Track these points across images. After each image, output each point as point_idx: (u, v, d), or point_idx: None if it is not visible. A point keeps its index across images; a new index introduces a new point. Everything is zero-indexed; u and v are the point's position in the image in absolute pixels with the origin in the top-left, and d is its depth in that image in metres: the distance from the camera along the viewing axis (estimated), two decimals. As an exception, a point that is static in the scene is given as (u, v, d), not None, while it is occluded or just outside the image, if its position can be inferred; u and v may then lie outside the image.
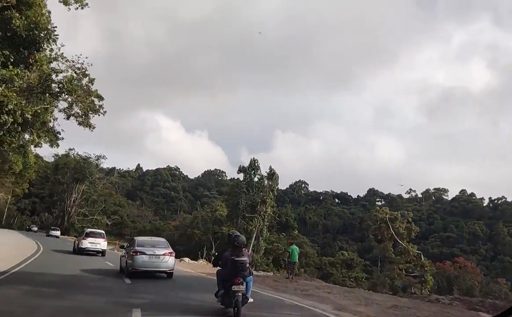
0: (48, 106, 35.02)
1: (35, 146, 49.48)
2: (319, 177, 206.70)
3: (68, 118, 37.65)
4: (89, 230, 31.55)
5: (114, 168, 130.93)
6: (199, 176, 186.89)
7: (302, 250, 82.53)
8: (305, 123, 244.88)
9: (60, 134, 47.74)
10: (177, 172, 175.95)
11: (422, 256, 41.68)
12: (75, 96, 34.92)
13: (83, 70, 35.12)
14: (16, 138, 29.49)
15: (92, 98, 37.89)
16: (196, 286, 16.85)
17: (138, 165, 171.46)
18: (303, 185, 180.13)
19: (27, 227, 78.78)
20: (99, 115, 37.84)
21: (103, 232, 32.24)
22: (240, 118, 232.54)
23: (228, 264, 9.12)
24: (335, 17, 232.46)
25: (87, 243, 28.04)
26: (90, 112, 36.83)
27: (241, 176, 60.80)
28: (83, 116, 36.88)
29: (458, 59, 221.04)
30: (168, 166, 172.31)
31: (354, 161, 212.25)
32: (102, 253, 28.27)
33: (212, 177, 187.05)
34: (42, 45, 26.18)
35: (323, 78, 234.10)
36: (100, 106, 37.54)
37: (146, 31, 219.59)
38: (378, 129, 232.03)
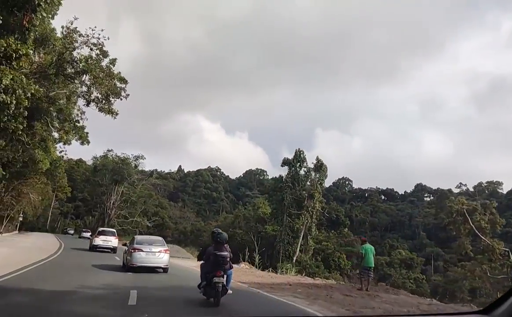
0: (65, 91, 30.60)
1: (64, 143, 46.01)
2: (363, 173, 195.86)
3: (88, 104, 33.03)
4: (101, 229, 34.73)
5: (155, 170, 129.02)
6: (240, 176, 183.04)
7: (353, 249, 74.98)
8: (346, 120, 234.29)
9: (85, 128, 43.92)
10: (218, 173, 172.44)
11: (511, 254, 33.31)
12: (93, 77, 30.36)
13: (100, 45, 30.66)
14: (24, 126, 24.94)
15: (115, 81, 33.35)
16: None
17: (180, 166, 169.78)
18: (347, 182, 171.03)
19: (64, 230, 77.70)
20: (121, 99, 33.13)
21: (115, 231, 34.17)
22: (280, 118, 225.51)
23: (210, 258, 9.90)
24: (378, 10, 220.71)
25: (99, 241, 29.90)
26: (112, 96, 32.19)
27: (285, 170, 54.51)
28: (103, 101, 32.24)
29: (509, 46, 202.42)
30: (209, 166, 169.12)
31: (399, 156, 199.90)
32: (113, 250, 29.30)
33: (253, 176, 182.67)
34: (40, 4, 20.95)
35: (365, 72, 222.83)
36: (122, 89, 32.91)
37: (185, 33, 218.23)
38: (424, 123, 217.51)
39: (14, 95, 20.88)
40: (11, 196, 40.94)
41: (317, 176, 50.43)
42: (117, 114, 30.10)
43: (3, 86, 20.14)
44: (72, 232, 74.44)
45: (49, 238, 46.66)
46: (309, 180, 51.82)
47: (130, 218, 79.43)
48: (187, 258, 38.44)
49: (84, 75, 27.43)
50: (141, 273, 16.52)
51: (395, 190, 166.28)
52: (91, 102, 29.76)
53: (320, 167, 50.17)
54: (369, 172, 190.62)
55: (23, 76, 21.84)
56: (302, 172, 52.37)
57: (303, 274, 33.19)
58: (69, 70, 26.69)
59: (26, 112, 23.69)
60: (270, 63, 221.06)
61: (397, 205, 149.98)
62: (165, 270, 17.88)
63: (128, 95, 30.07)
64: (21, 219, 59.42)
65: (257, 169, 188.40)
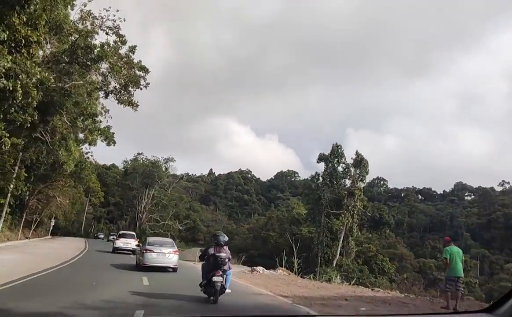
0: (81, 82, 27.82)
1: (89, 144, 43.74)
2: (397, 173, 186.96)
3: (106, 96, 30.21)
4: (122, 232, 36.74)
5: (186, 174, 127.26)
6: (271, 178, 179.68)
7: (395, 251, 69.43)
8: (379, 119, 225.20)
9: (111, 128, 41.33)
10: (249, 175, 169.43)
11: None
12: (110, 65, 27.45)
13: (116, 28, 27.77)
14: (35, 119, 22.20)
15: (135, 70, 30.40)
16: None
17: (211, 169, 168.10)
18: (382, 182, 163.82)
19: (95, 235, 76.83)
20: (141, 89, 30.00)
21: (134, 233, 35.46)
22: (310, 118, 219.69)
23: (210, 259, 10.47)
24: (412, 3, 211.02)
25: (120, 243, 31.54)
26: (131, 85, 29.20)
27: (321, 167, 50.05)
28: (122, 91, 29.29)
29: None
30: (240, 169, 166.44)
31: (435, 154, 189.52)
32: (133, 251, 29.69)
33: (284, 178, 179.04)
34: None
35: (399, 68, 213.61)
36: (142, 77, 29.70)
37: (215, 37, 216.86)
38: (462, 120, 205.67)
39: (18, 81, 18.05)
40: (37, 200, 38.97)
41: (357, 171, 45.80)
42: (137, 105, 27.07)
43: (3, 70, 17.29)
44: (102, 236, 73.86)
45: (77, 242, 44.50)
46: (348, 176, 47.28)
47: (161, 221, 77.19)
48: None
49: (100, 63, 24.47)
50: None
51: (432, 189, 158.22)
52: (110, 94, 26.93)
53: (360, 162, 45.53)
54: (404, 171, 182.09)
55: (26, 60, 18.98)
56: (340, 168, 47.90)
57: (351, 282, 28.72)
58: (84, 59, 23.80)
59: (35, 103, 20.88)
60: (299, 63, 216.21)
61: (436, 205, 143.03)
62: (174, 269, 18.72)
63: (148, 84, 26.94)
64: (52, 223, 58.03)
65: (288, 170, 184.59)
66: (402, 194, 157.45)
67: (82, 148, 43.41)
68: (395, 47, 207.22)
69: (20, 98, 18.74)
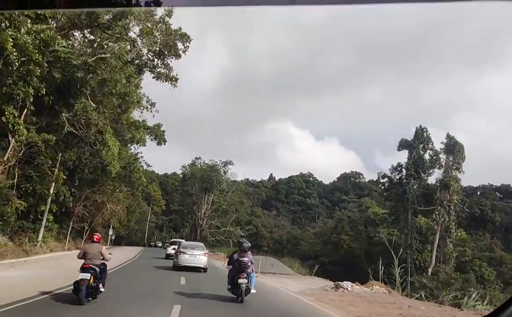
0: (108, 55, 22.36)
1: (137, 143, 39.09)
2: (470, 171, 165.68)
3: (139, 71, 24.13)
4: (172, 239, 38.37)
5: (246, 179, 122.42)
6: (334, 180, 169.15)
7: (492, 254, 57.61)
8: (444, 115, 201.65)
9: (161, 126, 35.91)
10: (311, 178, 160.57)
11: None
12: (138, 26, 21.59)
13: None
14: (42, 93, 16.97)
15: (175, 39, 24.33)
16: None
17: (271, 174, 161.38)
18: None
19: (153, 243, 74.66)
20: (179, 56, 23.72)
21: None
22: (371, 119, 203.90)
23: (235, 263, 11.46)
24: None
25: (170, 249, 31.47)
26: (168, 53, 22.97)
27: (403, 155, 40.73)
28: (157, 61, 23.21)
29: None
30: (301, 172, 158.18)
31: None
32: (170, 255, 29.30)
33: (348, 180, 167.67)
34: None
35: (466, 60, 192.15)
36: (184, 37, 23.19)
37: (270, 41, 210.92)
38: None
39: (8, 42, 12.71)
40: (84, 207, 34.85)
41: (450, 158, 36.43)
42: (176, 80, 21.15)
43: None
44: (160, 244, 70.36)
45: (131, 251, 40.09)
46: (437, 165, 37.99)
47: (222, 227, 71.95)
48: (286, 275, 27.69)
49: (123, 21, 18.82)
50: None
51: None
52: (144, 68, 21.36)
53: (453, 146, 36.15)
54: (476, 168, 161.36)
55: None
56: (427, 156, 38.63)
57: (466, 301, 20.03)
58: (103, 19, 18.36)
59: (38, 71, 15.51)
60: (357, 63, 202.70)
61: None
62: (204, 269, 20.31)
63: (187, 48, 20.78)
64: (111, 232, 54.92)
65: (351, 171, 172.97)
66: (478, 192, 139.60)
67: (130, 148, 39.07)
68: (461, 36, 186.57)
69: (16, 61, 13.24)
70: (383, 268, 22.53)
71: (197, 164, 74.35)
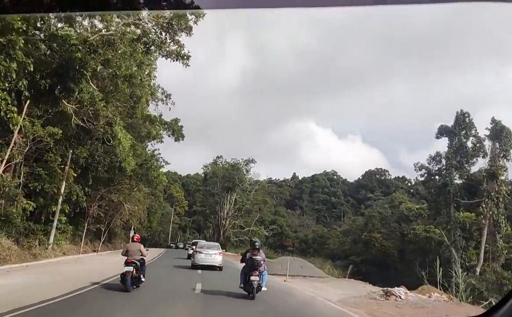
0: (110, 32, 19.56)
1: (153, 138, 36.56)
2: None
3: (147, 49, 21.08)
4: (194, 240, 37.84)
5: (269, 178, 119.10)
6: (359, 178, 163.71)
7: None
8: (472, 109, 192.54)
9: (179, 121, 33.35)
10: (335, 176, 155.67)
11: None
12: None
13: None
14: (30, 68, 14.38)
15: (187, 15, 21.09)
16: None
17: (294, 173, 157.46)
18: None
19: (172, 245, 73.10)
20: (190, 31, 20.38)
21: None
22: (395, 115, 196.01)
23: (248, 261, 11.87)
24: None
25: (191, 250, 30.48)
26: (177, 27, 19.75)
27: (443, 143, 36.56)
28: (166, 37, 20.01)
29: None
30: (325, 171, 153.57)
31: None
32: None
33: (373, 177, 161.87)
34: None
35: (496, 51, 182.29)
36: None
37: (291, 40, 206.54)
38: None
39: None
40: (99, 207, 32.72)
41: (497, 145, 32.33)
42: (188, 58, 18.36)
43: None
44: (181, 245, 68.20)
45: (151, 253, 37.73)
46: (482, 154, 33.90)
47: (245, 227, 69.14)
48: (318, 277, 24.39)
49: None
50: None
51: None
52: (152, 46, 18.70)
53: (499, 131, 32.04)
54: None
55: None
56: (469, 144, 34.55)
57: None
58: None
59: (22, 41, 13.02)
60: (382, 56, 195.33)
61: None
62: (220, 268, 21.31)
63: (200, 19, 17.84)
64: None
65: (376, 168, 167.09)
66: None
67: (147, 145, 36.77)
68: (490, 22, 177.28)
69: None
70: (428, 269, 19.09)
71: (219, 163, 71.86)
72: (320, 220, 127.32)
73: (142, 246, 12.38)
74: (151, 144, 35.59)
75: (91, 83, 17.87)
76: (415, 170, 34.89)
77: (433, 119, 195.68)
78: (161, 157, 38.59)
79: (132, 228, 51.68)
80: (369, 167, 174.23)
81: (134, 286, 11.61)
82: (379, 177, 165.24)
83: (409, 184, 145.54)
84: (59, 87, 16.81)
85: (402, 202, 46.58)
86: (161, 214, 66.79)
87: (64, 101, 17.95)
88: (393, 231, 45.64)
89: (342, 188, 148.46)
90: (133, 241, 12.58)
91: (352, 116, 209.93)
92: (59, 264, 21.97)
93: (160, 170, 37.88)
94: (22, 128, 19.44)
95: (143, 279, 12.14)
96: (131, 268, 11.22)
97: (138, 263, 11.66)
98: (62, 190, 26.72)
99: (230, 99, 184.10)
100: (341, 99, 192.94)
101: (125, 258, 11.58)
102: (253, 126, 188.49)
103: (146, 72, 24.04)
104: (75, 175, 27.81)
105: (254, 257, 11.57)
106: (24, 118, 19.61)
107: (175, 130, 35.69)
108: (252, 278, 11.28)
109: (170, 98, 29.37)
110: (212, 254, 21.42)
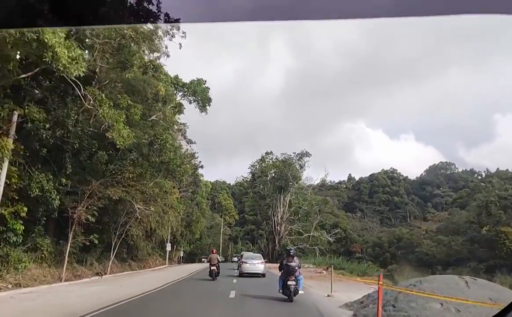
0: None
1: (163, 102, 24.07)
2: None
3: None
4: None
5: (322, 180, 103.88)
6: (422, 174, 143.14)
7: None
8: None
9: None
10: (395, 174, 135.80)
11: None
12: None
13: None
14: None
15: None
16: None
17: (349, 174, 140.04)
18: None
19: (222, 259, 60.22)
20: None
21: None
22: (448, 110, 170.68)
23: (284, 268, 12.54)
24: None
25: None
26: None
27: None
28: None
29: None
30: (383, 169, 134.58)
31: None
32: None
33: (439, 172, 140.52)
34: None
35: None
36: None
37: (334, 38, 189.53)
38: None
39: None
40: (87, 209, 20.64)
41: None
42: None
43: None
44: (236, 259, 56.36)
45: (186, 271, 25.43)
46: None
47: (304, 233, 54.93)
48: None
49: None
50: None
51: None
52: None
53: None
54: None
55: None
56: None
57: None
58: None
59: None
60: (432, 48, 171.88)
61: None
62: (263, 275, 23.60)
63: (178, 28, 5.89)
64: (168, 248, 41.33)
65: (441, 162, 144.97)
66: None
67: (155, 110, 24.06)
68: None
69: None
70: None
71: (267, 160, 58.46)
72: (383, 222, 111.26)
73: (217, 255, 21.90)
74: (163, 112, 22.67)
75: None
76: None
77: (490, 111, 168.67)
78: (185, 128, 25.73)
79: (166, 239, 39.81)
80: (425, 166, 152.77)
81: (216, 277, 20.44)
82: (444, 171, 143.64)
83: (480, 177, 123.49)
84: None
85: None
86: (204, 222, 54.59)
87: None
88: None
89: (404, 186, 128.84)
90: (212, 252, 21.94)
91: (402, 114, 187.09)
92: None
93: (181, 151, 25.23)
94: None
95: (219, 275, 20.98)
96: (214, 268, 20.44)
97: (218, 264, 20.86)
98: (2, 178, 14.94)
99: (277, 104, 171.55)
100: (390, 97, 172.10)
101: (209, 263, 21.08)
102: (302, 129, 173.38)
103: None
104: (26, 153, 15.97)
105: (289, 264, 12.44)
106: None
107: (198, 93, 22.92)
108: (289, 282, 12.18)
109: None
110: (255, 263, 23.99)
